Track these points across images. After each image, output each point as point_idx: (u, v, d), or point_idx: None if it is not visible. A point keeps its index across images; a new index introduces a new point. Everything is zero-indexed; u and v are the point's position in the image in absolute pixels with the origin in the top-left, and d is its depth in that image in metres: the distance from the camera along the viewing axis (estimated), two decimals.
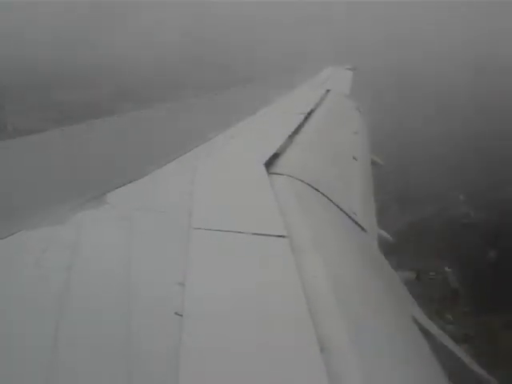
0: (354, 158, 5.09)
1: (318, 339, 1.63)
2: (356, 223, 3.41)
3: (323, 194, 3.45)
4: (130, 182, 2.89)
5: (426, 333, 2.32)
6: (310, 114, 5.91)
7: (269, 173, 3.38)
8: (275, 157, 3.83)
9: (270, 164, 3.60)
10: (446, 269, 37.15)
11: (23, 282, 1.86)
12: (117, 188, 2.78)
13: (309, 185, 3.46)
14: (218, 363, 1.51)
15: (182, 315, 1.67)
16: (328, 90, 8.19)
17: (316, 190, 3.45)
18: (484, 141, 60.19)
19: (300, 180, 3.47)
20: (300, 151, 4.31)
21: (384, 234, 4.57)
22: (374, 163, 6.35)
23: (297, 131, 4.90)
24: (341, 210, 3.42)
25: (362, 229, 3.42)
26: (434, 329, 2.54)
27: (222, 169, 3.50)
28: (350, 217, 3.42)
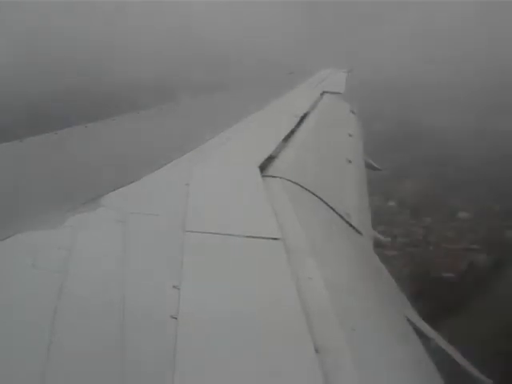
0: (349, 161, 5.10)
1: (312, 340, 1.64)
2: (350, 225, 3.42)
3: (318, 197, 3.46)
4: (126, 185, 2.90)
5: (420, 334, 2.34)
6: (304, 116, 5.92)
7: (263, 175, 3.39)
8: (270, 159, 3.84)
9: (264, 166, 3.61)
10: None
11: (19, 284, 1.86)
12: (112, 191, 2.78)
13: (303, 187, 3.47)
14: (213, 365, 1.52)
15: (176, 318, 1.68)
16: (323, 93, 8.21)
17: (310, 192, 3.47)
18: None
19: (294, 182, 3.48)
20: (294, 154, 4.32)
21: (379, 236, 4.58)
22: (372, 167, 6.36)
23: (291, 134, 4.91)
24: (335, 212, 3.43)
25: (357, 231, 3.43)
26: (428, 330, 2.55)
27: (217, 171, 3.51)
28: (344, 219, 3.43)
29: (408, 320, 2.38)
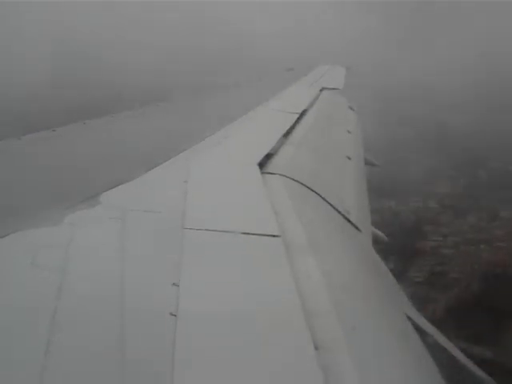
0: (348, 157, 5.10)
1: (312, 338, 1.64)
2: (350, 222, 3.42)
3: (317, 193, 3.46)
4: (124, 183, 2.89)
5: (420, 331, 2.33)
6: (303, 113, 5.91)
7: (262, 172, 3.38)
8: (269, 156, 3.83)
9: (263, 164, 3.61)
10: None
11: (18, 282, 1.86)
12: (111, 188, 2.77)
13: (302, 184, 3.47)
14: (212, 362, 1.52)
15: (176, 315, 1.67)
16: (322, 89, 8.20)
17: (310, 189, 3.46)
18: None
19: (294, 180, 3.47)
20: (294, 151, 4.32)
21: (378, 232, 4.58)
22: (370, 163, 6.36)
23: (290, 131, 4.91)
24: (335, 209, 3.42)
25: (356, 228, 3.43)
26: (428, 327, 2.55)
27: (216, 169, 3.50)
28: (343, 216, 3.42)
29: (408, 317, 2.38)
